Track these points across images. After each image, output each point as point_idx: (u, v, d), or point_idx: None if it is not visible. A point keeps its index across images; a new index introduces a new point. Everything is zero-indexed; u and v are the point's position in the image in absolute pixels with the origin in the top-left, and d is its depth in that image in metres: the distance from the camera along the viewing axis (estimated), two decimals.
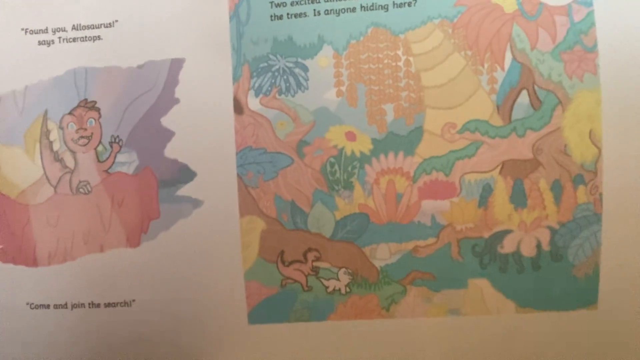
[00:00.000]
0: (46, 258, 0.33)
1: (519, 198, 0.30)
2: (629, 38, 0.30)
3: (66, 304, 0.33)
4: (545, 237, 0.30)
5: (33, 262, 0.34)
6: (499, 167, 0.31)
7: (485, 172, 0.31)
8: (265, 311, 0.32)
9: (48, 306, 0.33)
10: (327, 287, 0.32)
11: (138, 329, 0.32)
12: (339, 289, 0.32)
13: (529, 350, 0.31)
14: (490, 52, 0.31)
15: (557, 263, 0.30)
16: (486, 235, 0.31)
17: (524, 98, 0.30)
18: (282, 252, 0.32)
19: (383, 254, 0.31)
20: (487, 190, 0.31)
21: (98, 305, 0.33)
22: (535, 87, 0.30)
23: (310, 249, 0.32)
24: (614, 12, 0.30)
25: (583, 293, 0.30)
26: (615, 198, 0.30)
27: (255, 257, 0.32)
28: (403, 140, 0.31)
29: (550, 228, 0.30)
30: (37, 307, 0.33)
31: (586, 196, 0.30)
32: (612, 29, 0.30)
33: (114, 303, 0.32)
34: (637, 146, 0.29)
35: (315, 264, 0.32)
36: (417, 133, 0.31)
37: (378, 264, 0.31)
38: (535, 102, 0.30)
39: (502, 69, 0.30)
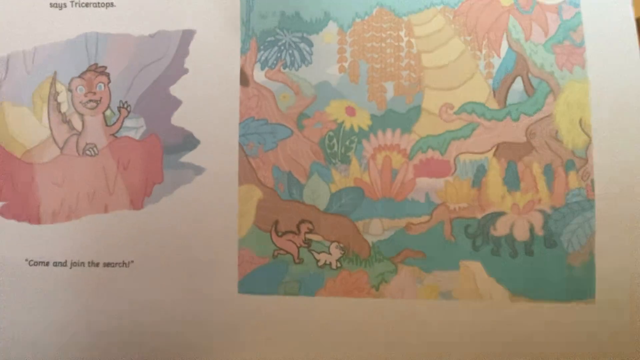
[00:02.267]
0: (50, 216, 0.34)
1: (512, 180, 0.31)
2: (614, 36, 0.31)
3: (66, 262, 0.33)
4: (538, 221, 0.31)
5: (37, 220, 0.34)
6: (494, 149, 0.31)
7: (480, 153, 0.31)
8: (255, 281, 0.32)
9: (47, 263, 0.34)
10: (318, 261, 0.32)
11: (133, 290, 0.33)
12: (330, 263, 0.32)
13: (522, 341, 0.30)
14: (487, 39, 0.32)
15: (551, 250, 0.30)
16: (479, 216, 0.31)
17: (518, 84, 0.31)
18: (277, 222, 0.32)
19: (376, 230, 0.32)
20: (481, 171, 0.31)
21: (97, 265, 0.33)
22: (530, 75, 0.31)
23: (303, 221, 0.32)
24: (599, 13, 0.31)
25: (579, 284, 0.30)
26: (607, 185, 0.30)
27: (250, 225, 0.32)
28: (401, 117, 0.32)
29: (543, 212, 0.31)
30: (36, 263, 0.34)
31: (578, 182, 0.31)
32: (598, 27, 0.31)
33: (112, 263, 0.33)
34: (625, 135, 0.30)
35: (308, 236, 0.32)
36: (416, 111, 0.31)
37: (370, 239, 0.32)
38: (529, 89, 0.31)
39: (499, 55, 0.31)
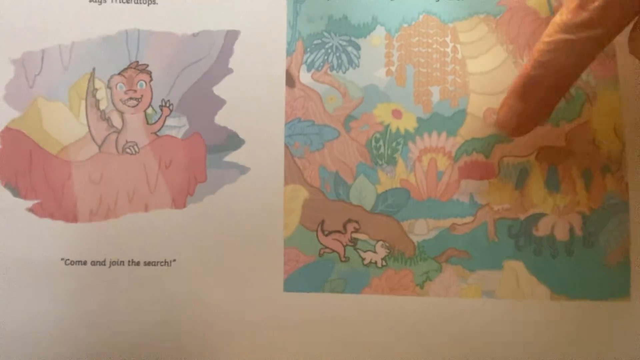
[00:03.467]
0: (87, 215, 0.34)
1: (553, 183, 0.32)
2: None
3: (104, 261, 0.33)
4: (577, 221, 0.32)
5: (73, 218, 0.34)
6: (535, 153, 0.32)
7: (522, 156, 0.32)
8: (301, 279, 0.32)
9: (85, 262, 0.33)
10: (363, 259, 0.32)
11: (176, 289, 0.33)
12: (376, 262, 0.32)
13: (562, 339, 0.31)
14: (528, 48, 0.33)
15: (589, 249, 0.32)
16: (522, 217, 0.32)
17: None
18: (323, 222, 0.33)
19: (421, 230, 0.32)
20: (523, 174, 0.32)
21: (138, 264, 0.33)
22: None
23: (350, 220, 0.32)
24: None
25: (615, 283, 0.31)
26: None
27: (296, 224, 0.33)
28: (447, 121, 0.32)
29: (581, 213, 0.32)
30: (73, 263, 0.33)
31: (613, 185, 0.32)
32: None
33: (154, 262, 0.33)
34: None
35: (354, 235, 0.32)
36: (461, 115, 0.32)
37: (415, 239, 0.32)
38: (567, 96, 0.33)
39: None
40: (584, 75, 0.33)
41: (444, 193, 0.32)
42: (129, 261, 0.33)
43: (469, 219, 0.32)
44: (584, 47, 0.25)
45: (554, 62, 0.26)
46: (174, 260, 0.33)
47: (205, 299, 0.33)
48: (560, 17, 0.25)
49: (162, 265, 0.33)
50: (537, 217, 0.32)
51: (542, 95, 0.27)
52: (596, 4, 0.23)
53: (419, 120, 0.33)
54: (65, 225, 0.34)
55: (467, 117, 0.32)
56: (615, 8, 0.23)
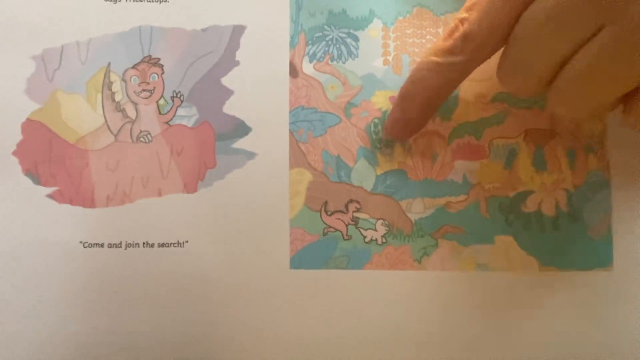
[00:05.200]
0: (104, 200, 0.36)
1: (539, 162, 0.35)
2: None
3: (121, 244, 0.35)
4: (562, 198, 0.34)
5: (91, 204, 0.36)
6: (523, 135, 0.35)
7: (511, 137, 0.35)
8: (306, 257, 0.34)
9: (102, 245, 0.35)
10: (365, 237, 0.35)
11: (188, 268, 0.35)
12: (376, 239, 0.34)
13: (551, 306, 0.34)
14: None
15: (574, 224, 0.34)
16: (511, 194, 0.34)
17: None
18: (326, 202, 0.35)
19: (418, 208, 0.34)
20: (512, 154, 0.34)
21: (152, 245, 0.35)
22: None
23: (351, 200, 0.35)
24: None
25: (599, 253, 0.34)
26: (621, 165, 0.34)
27: (301, 205, 0.35)
28: (441, 106, 0.35)
29: (566, 190, 0.34)
30: (91, 245, 0.35)
31: (596, 163, 0.34)
32: None
33: (167, 243, 0.35)
34: None
35: (355, 214, 0.35)
36: (454, 100, 0.35)
37: (413, 217, 0.34)
38: None
39: None
40: None
41: (439, 173, 0.35)
42: (143, 243, 0.35)
43: (462, 197, 0.34)
44: (449, 71, 0.28)
45: (425, 80, 0.29)
46: (186, 241, 0.35)
47: (216, 278, 0.35)
48: (435, 42, 0.28)
49: (175, 247, 0.35)
50: (525, 195, 0.34)
51: (416, 108, 0.30)
52: (457, 34, 0.26)
53: None
54: (83, 210, 0.36)
55: (459, 102, 0.35)
56: (474, 40, 0.26)
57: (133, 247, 0.35)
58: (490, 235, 0.34)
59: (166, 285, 0.35)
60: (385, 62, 0.35)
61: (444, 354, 0.34)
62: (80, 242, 0.36)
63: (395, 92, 0.35)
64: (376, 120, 0.35)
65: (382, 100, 0.35)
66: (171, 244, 0.35)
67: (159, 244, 0.35)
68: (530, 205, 0.34)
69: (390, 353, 0.34)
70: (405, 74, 0.35)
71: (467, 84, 0.35)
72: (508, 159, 0.34)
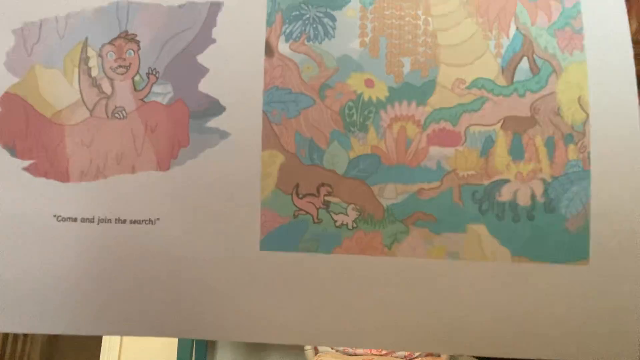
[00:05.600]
0: (78, 175, 0.36)
1: (517, 151, 0.34)
2: (609, 23, 0.34)
3: (93, 218, 0.35)
4: (539, 188, 0.33)
5: (65, 178, 0.36)
6: (501, 122, 0.34)
7: (488, 125, 0.34)
8: (277, 239, 0.34)
9: (75, 219, 0.35)
10: (335, 221, 0.34)
11: (159, 246, 0.35)
12: (347, 224, 0.34)
13: (523, 299, 0.33)
14: (497, 22, 0.34)
15: (550, 214, 0.33)
16: (486, 182, 0.34)
17: (524, 64, 0.34)
18: (298, 185, 0.34)
19: (390, 194, 0.34)
20: (489, 142, 0.34)
21: (124, 222, 0.35)
22: (535, 55, 0.34)
23: (323, 184, 0.34)
24: (596, 2, 0.34)
25: (575, 247, 0.33)
26: (602, 157, 0.33)
27: (272, 187, 0.34)
28: (417, 90, 0.34)
29: (543, 180, 0.33)
30: (64, 219, 0.35)
31: (576, 154, 0.33)
32: (595, 15, 0.34)
33: (139, 220, 0.35)
34: (618, 112, 0.33)
35: (326, 198, 0.34)
36: (430, 85, 0.34)
37: (385, 202, 0.34)
38: (534, 68, 0.34)
39: (507, 37, 0.34)
40: (550, 49, 0.34)
41: (412, 159, 0.34)
42: (115, 219, 0.35)
43: (435, 184, 0.34)
44: None
45: None
46: (158, 219, 0.35)
47: (187, 256, 0.35)
48: None
49: (146, 224, 0.35)
50: (500, 183, 0.34)
51: None
52: None
53: (390, 89, 0.34)
54: (58, 184, 0.36)
55: (436, 87, 0.34)
56: None
57: (105, 222, 0.35)
58: (463, 223, 0.34)
59: (137, 261, 0.35)
60: (362, 44, 0.35)
61: (409, 341, 0.34)
62: (54, 216, 0.36)
63: (371, 75, 0.35)
64: (351, 103, 0.34)
65: (357, 83, 0.34)
66: (143, 220, 0.35)
67: (130, 220, 0.35)
68: (505, 194, 0.34)
69: (355, 337, 0.34)
70: (383, 56, 0.34)
71: (445, 69, 0.34)
72: (484, 146, 0.34)
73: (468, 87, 0.34)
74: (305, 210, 0.34)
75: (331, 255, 0.34)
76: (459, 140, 0.34)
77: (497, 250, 0.33)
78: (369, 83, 0.34)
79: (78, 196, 0.36)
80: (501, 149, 0.34)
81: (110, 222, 0.35)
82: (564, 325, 0.33)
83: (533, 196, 0.34)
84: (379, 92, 0.34)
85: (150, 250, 0.35)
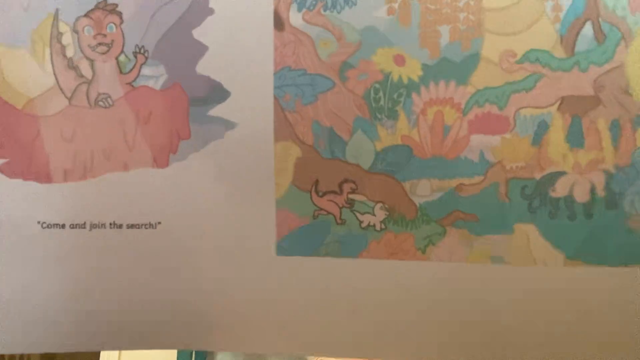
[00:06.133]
0: (61, 174, 0.31)
1: (575, 137, 0.29)
2: None
3: (85, 224, 0.31)
4: (600, 181, 0.29)
5: (46, 178, 0.31)
6: (558, 103, 0.28)
7: (542, 107, 0.28)
8: (294, 242, 0.30)
9: (63, 226, 0.31)
10: (361, 222, 0.30)
11: (161, 253, 0.31)
12: (374, 225, 0.30)
13: (575, 307, 0.29)
14: None
15: (611, 211, 0.29)
16: (538, 176, 0.29)
17: (588, 30, 0.28)
18: (317, 182, 0.30)
19: (424, 191, 0.29)
20: (542, 127, 0.29)
21: (120, 226, 0.31)
22: (600, 19, 0.28)
23: (346, 180, 0.30)
24: None
25: (637, 248, 0.29)
26: None
27: (288, 184, 0.30)
28: (456, 67, 0.29)
29: (606, 172, 0.29)
30: (51, 226, 0.31)
31: None
32: None
33: (137, 225, 0.31)
34: None
35: (350, 196, 0.30)
36: (473, 60, 0.28)
37: (417, 200, 0.29)
38: (600, 35, 0.28)
39: None
40: (618, 10, 0.28)
41: (450, 150, 0.29)
42: (110, 224, 0.31)
43: (477, 178, 0.29)
44: None
45: None
46: (159, 222, 0.31)
47: (194, 264, 0.31)
48: None
49: (146, 228, 0.31)
50: (554, 177, 0.29)
51: None
52: None
53: (425, 67, 0.29)
54: (39, 186, 0.31)
55: (480, 62, 0.28)
56: None
57: (99, 227, 0.31)
58: (509, 223, 0.29)
59: (137, 271, 0.31)
60: (390, 11, 0.29)
61: (449, 355, 0.30)
62: (38, 222, 0.31)
63: (402, 50, 0.29)
64: (377, 85, 0.29)
65: (384, 60, 0.29)
66: (142, 225, 0.31)
67: (127, 225, 0.31)
68: (560, 190, 0.29)
69: (388, 350, 0.30)
70: (415, 26, 0.29)
71: (492, 39, 0.28)
72: (537, 133, 0.29)
73: (519, 61, 0.28)
74: (326, 210, 0.30)
75: (357, 260, 0.30)
76: (507, 127, 0.29)
77: (549, 254, 0.29)
78: (399, 60, 0.29)
79: (64, 199, 0.31)
80: (557, 136, 0.29)
81: (105, 228, 0.31)
82: (622, 333, 0.29)
83: (593, 190, 0.29)
84: (411, 70, 0.29)
85: (151, 258, 0.31)
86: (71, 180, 0.31)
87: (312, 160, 0.30)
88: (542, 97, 0.28)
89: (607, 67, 0.28)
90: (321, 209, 0.30)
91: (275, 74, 0.29)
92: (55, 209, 0.31)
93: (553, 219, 0.29)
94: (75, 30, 0.30)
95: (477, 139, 0.29)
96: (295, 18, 0.29)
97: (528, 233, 0.29)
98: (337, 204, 0.30)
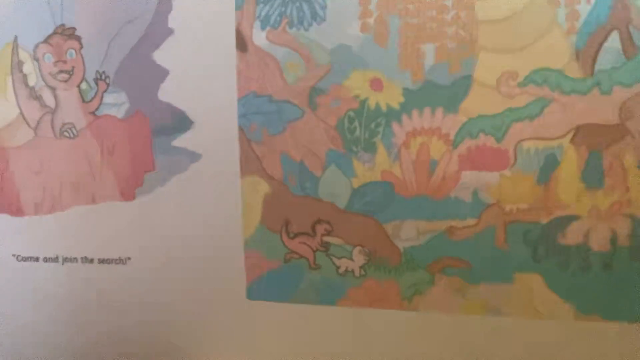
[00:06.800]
0: (32, 207, 0.30)
1: (593, 175, 0.24)
2: None
3: (57, 257, 0.30)
4: (624, 228, 0.24)
5: (18, 211, 0.30)
6: (571, 134, 0.23)
7: (551, 139, 0.24)
8: (267, 287, 0.28)
9: (37, 259, 0.31)
10: (338, 267, 0.27)
11: (132, 289, 0.30)
12: (352, 271, 0.27)
13: None
14: None
15: (636, 263, 0.23)
16: (544, 220, 0.24)
17: (614, 42, 0.23)
18: (288, 222, 0.27)
19: (409, 234, 0.26)
20: (551, 163, 0.24)
21: (91, 261, 0.30)
22: (631, 27, 0.22)
23: (320, 221, 0.27)
24: None
25: None
26: None
27: (257, 224, 0.28)
28: (444, 92, 0.25)
29: (632, 217, 0.23)
30: (25, 259, 0.31)
31: None
32: None
33: (108, 259, 0.30)
34: None
35: (325, 238, 0.27)
36: (464, 83, 0.24)
37: (401, 244, 0.26)
38: (629, 48, 0.23)
39: (588, 0, 0.22)
40: None
41: (438, 188, 0.25)
42: (82, 258, 0.30)
43: (471, 221, 0.25)
44: None
45: None
46: (129, 258, 0.30)
47: (163, 302, 0.29)
48: None
49: (117, 264, 0.30)
50: (565, 221, 0.24)
51: None
52: None
53: (406, 92, 0.25)
54: (12, 219, 0.31)
55: (473, 85, 0.24)
56: None
57: (71, 261, 0.31)
58: (508, 272, 0.25)
59: (108, 306, 0.30)
60: (365, 28, 0.25)
61: None
62: (14, 255, 0.31)
63: (379, 73, 0.25)
64: (352, 114, 0.25)
65: (359, 85, 0.25)
66: (112, 260, 0.30)
67: (99, 259, 0.30)
68: (571, 237, 0.24)
69: None
70: (394, 44, 0.24)
71: (486, 58, 0.24)
72: (544, 169, 0.24)
73: (522, 84, 0.24)
74: (298, 253, 0.27)
75: (334, 308, 0.27)
76: (506, 162, 0.24)
77: (557, 307, 0.25)
78: (376, 84, 0.25)
79: (37, 232, 0.31)
80: (569, 173, 0.24)
81: (77, 262, 0.30)
82: None
83: (614, 239, 0.24)
84: (391, 96, 0.25)
85: (122, 294, 0.30)
86: (41, 213, 0.30)
87: (281, 198, 0.27)
88: (551, 126, 0.24)
89: (637, 88, 0.22)
90: (293, 252, 0.27)
91: (239, 100, 0.27)
92: (29, 243, 0.31)
93: (563, 270, 0.24)
94: (35, 58, 0.29)
95: (469, 176, 0.25)
96: (258, 37, 0.26)
97: (531, 283, 0.25)
98: (310, 246, 0.27)
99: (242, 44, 0.26)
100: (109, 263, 0.30)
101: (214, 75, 0.27)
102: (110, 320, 0.30)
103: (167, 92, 0.28)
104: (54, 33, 0.29)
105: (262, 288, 0.28)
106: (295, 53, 0.25)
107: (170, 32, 0.27)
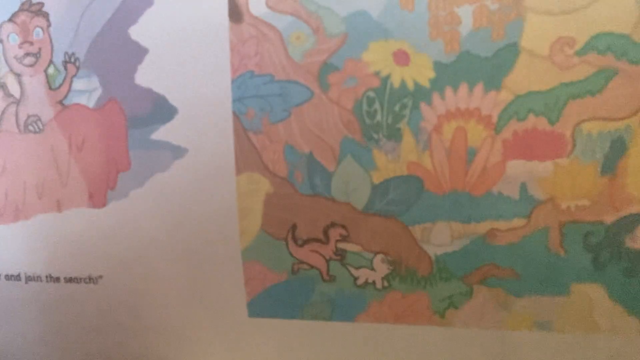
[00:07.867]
0: None
1: None
2: None
3: (19, 275, 0.27)
4: None
5: None
6: None
7: (617, 119, 0.21)
8: (270, 302, 0.25)
9: None
10: (356, 278, 0.24)
11: (104, 313, 0.26)
12: (373, 282, 0.24)
13: None
14: None
15: None
16: (609, 219, 0.22)
17: None
18: (294, 227, 0.24)
19: (441, 238, 0.23)
20: (617, 149, 0.22)
21: (57, 280, 0.27)
22: None
23: (333, 224, 0.24)
24: None
25: None
26: None
27: (257, 230, 0.24)
28: (485, 64, 0.22)
29: None
30: None
31: None
32: None
33: (76, 278, 0.27)
34: None
35: (340, 245, 0.24)
36: (509, 53, 0.22)
37: (432, 251, 0.23)
38: None
39: None
40: None
41: (478, 183, 0.22)
42: (46, 276, 0.27)
43: (518, 222, 0.22)
44: None
45: None
46: (100, 276, 0.27)
47: (147, 325, 0.26)
48: None
49: (86, 283, 0.27)
50: (635, 220, 0.21)
51: None
52: None
53: (438, 66, 0.22)
54: None
55: (520, 55, 0.21)
56: None
57: (34, 280, 0.28)
58: (565, 282, 0.22)
59: (77, 333, 0.27)
60: None
61: None
62: None
63: (404, 43, 0.22)
64: (371, 94, 0.22)
65: (380, 58, 0.22)
66: (81, 279, 0.27)
67: (65, 278, 0.27)
68: None
69: None
70: (423, 8, 0.20)
71: (535, 21, 0.20)
72: (609, 157, 0.22)
73: (580, 52, 0.21)
74: (308, 264, 0.25)
75: (353, 324, 0.25)
76: (561, 149, 0.21)
77: (621, 320, 0.22)
78: (401, 58, 0.22)
79: None
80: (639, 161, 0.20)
81: (41, 280, 0.27)
82: None
83: None
84: (419, 71, 0.22)
85: (92, 318, 0.27)
86: (5, 222, 0.27)
87: (286, 198, 0.24)
88: (617, 104, 0.21)
89: None
90: (302, 262, 0.24)
91: (233, 81, 0.24)
92: None
93: (629, 277, 0.22)
94: None
95: (516, 167, 0.22)
96: (256, 4, 0.23)
97: (591, 295, 0.22)
98: (323, 255, 0.24)
99: (236, 13, 0.23)
100: (77, 282, 0.27)
101: (202, 53, 0.23)
102: (90, 340, 0.27)
103: (146, 75, 0.24)
104: (20, 10, 0.25)
105: (265, 304, 0.25)
106: (302, 22, 0.22)
107: (149, 3, 0.24)
